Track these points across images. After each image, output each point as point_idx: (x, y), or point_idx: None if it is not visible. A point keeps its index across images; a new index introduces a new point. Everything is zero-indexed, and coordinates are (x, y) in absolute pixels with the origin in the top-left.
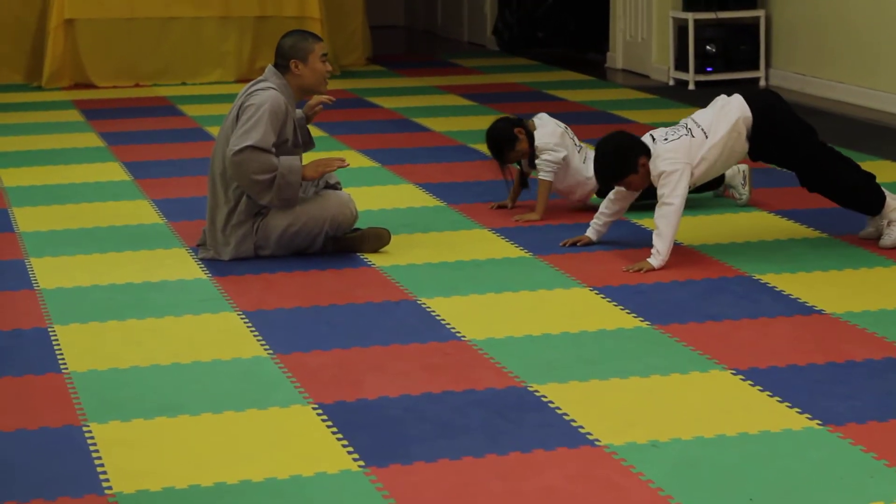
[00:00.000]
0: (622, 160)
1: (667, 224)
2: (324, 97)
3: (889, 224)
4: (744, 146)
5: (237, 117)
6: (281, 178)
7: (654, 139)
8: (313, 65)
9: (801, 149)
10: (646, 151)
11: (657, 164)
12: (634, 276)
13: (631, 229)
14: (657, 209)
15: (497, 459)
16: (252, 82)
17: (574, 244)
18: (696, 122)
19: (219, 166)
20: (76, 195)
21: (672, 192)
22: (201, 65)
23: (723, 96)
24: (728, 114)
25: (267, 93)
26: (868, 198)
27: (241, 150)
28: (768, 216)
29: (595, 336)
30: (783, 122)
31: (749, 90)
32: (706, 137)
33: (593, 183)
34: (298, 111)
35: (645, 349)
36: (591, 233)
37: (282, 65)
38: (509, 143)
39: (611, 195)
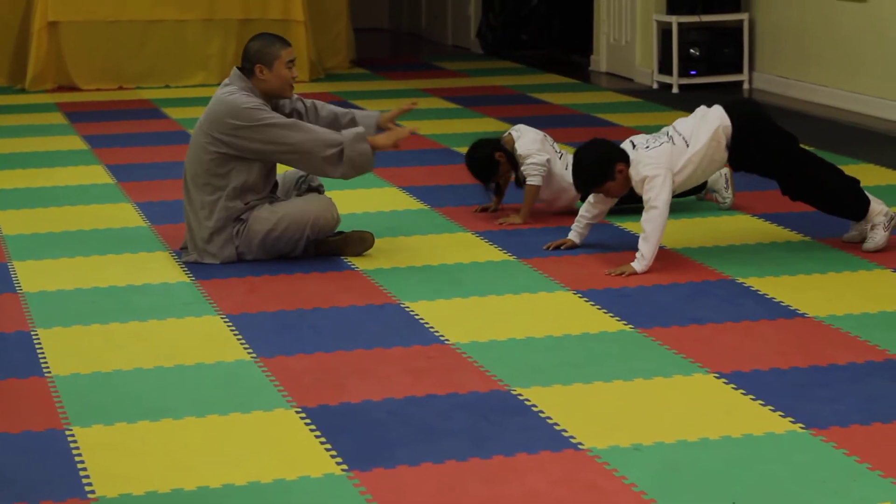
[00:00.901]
0: (600, 167)
1: (653, 228)
2: (406, 105)
3: (873, 228)
4: (723, 155)
5: (222, 130)
6: (350, 150)
7: (634, 146)
8: (278, 71)
9: (782, 157)
10: (624, 158)
11: (639, 170)
12: (618, 279)
13: (615, 233)
14: (644, 213)
15: (480, 463)
16: (220, 86)
17: (558, 247)
18: (676, 131)
19: (191, 174)
20: (59, 198)
21: (657, 196)
22: (185, 67)
23: (703, 106)
24: (708, 123)
25: (251, 105)
26: (852, 204)
27: (296, 141)
28: (751, 219)
29: (579, 339)
30: (763, 130)
31: (729, 99)
32: (687, 146)
33: (575, 192)
34: (376, 120)
35: (628, 353)
36: (573, 236)
37: (247, 68)
38: (493, 169)
39: (590, 198)
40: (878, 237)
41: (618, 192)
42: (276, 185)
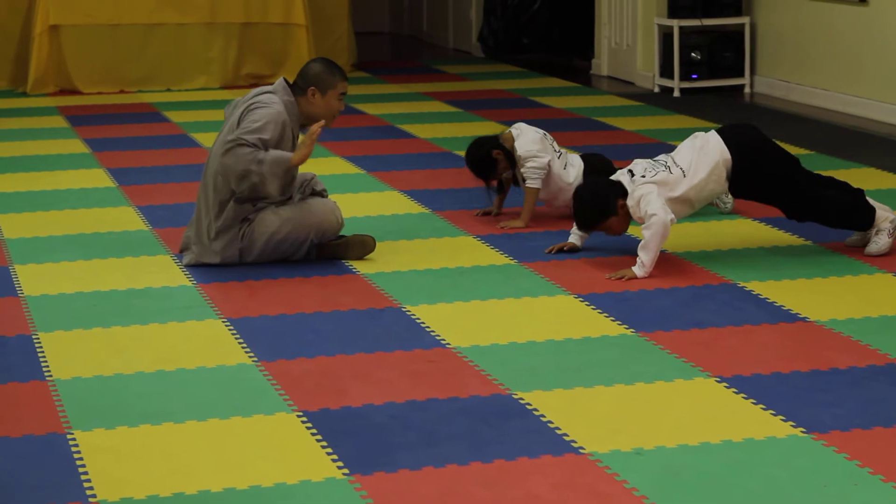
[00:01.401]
0: (601, 206)
1: (652, 235)
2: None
3: (878, 233)
4: (723, 186)
5: (241, 117)
6: (267, 167)
7: (632, 175)
8: (330, 100)
9: (782, 184)
10: (623, 193)
11: (634, 195)
12: (619, 283)
13: (617, 237)
14: (644, 226)
15: (481, 467)
16: (259, 89)
17: (560, 250)
18: (674, 161)
19: (212, 170)
20: (61, 202)
21: (652, 205)
22: (186, 71)
23: (701, 134)
24: (708, 155)
25: (272, 108)
26: (857, 216)
27: (230, 148)
28: (753, 224)
29: (579, 343)
30: (763, 159)
31: (727, 127)
32: (684, 176)
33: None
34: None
35: (629, 357)
36: (574, 238)
37: (300, 86)
38: (491, 167)
39: None
40: (881, 242)
41: (620, 228)
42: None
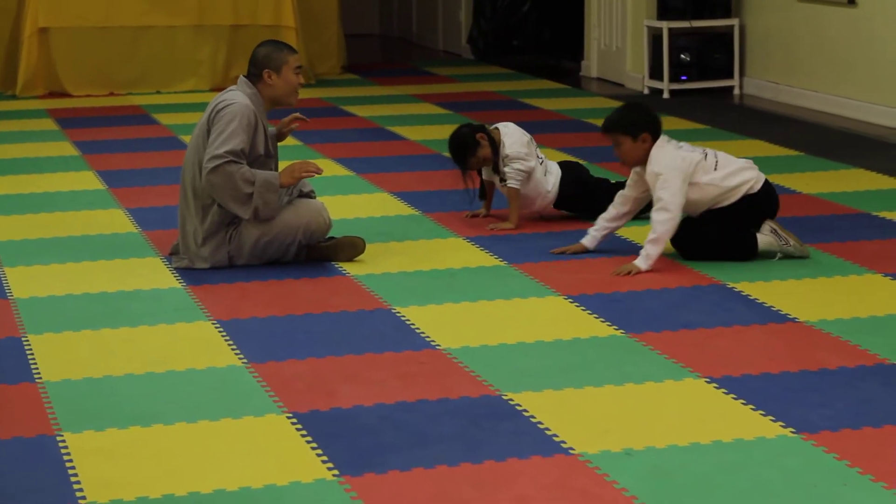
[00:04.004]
0: (632, 120)
1: (665, 231)
2: (298, 116)
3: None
4: (736, 197)
5: (208, 128)
6: (259, 198)
7: (669, 139)
8: (286, 76)
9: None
10: (654, 132)
11: (659, 161)
12: (608, 284)
13: (609, 239)
14: (656, 213)
15: (471, 468)
16: (222, 92)
17: (563, 252)
18: (715, 155)
19: (190, 176)
20: (50, 204)
21: (672, 200)
22: (176, 73)
23: (751, 161)
24: (745, 171)
25: (237, 104)
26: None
27: (217, 165)
28: None
29: (569, 344)
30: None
31: (768, 186)
32: (714, 170)
33: (552, 197)
34: (271, 128)
35: (619, 357)
36: (587, 240)
37: (254, 74)
38: (471, 148)
39: (616, 199)
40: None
41: (626, 157)
42: None
